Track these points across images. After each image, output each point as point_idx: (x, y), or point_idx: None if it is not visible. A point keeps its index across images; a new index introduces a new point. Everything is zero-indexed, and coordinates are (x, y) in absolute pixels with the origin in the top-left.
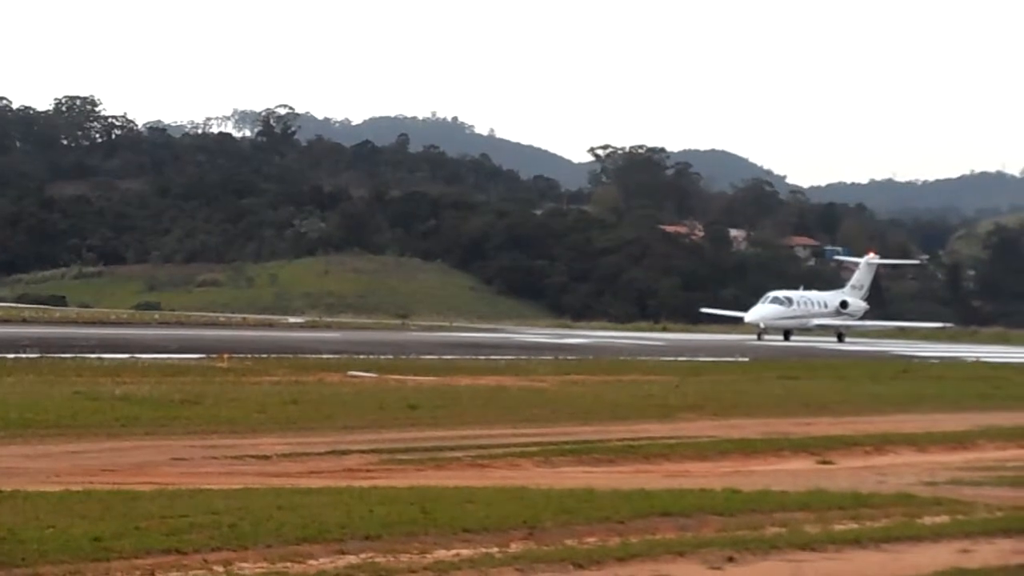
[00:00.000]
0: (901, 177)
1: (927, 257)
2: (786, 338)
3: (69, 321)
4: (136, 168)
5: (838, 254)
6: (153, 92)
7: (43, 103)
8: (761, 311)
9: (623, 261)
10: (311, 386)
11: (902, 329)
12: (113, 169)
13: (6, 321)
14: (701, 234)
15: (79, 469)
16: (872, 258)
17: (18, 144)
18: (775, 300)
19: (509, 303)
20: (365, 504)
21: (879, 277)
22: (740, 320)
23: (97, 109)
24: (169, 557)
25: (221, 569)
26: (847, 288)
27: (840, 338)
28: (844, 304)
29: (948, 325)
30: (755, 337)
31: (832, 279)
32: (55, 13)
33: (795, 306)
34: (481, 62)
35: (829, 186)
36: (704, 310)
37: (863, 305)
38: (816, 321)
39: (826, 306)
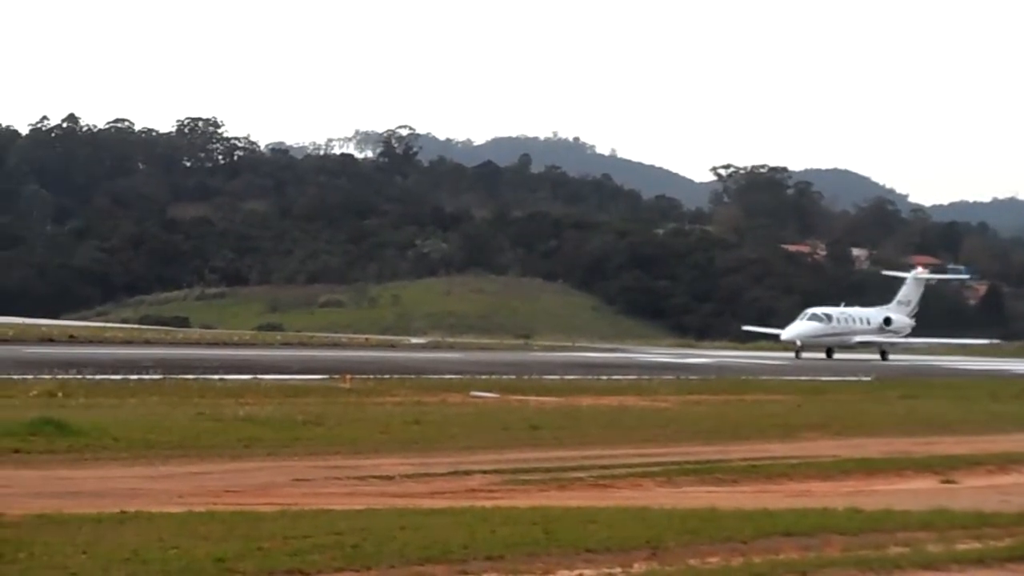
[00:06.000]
0: None
1: None
2: (828, 356)
3: (192, 342)
4: (258, 189)
5: (959, 273)
6: (275, 113)
7: (166, 125)
8: (798, 328)
9: (745, 281)
10: (433, 406)
11: (963, 346)
12: (235, 190)
13: (129, 342)
14: (823, 253)
15: (202, 490)
16: (920, 273)
17: (141, 166)
18: (813, 317)
19: (631, 323)
20: (488, 524)
21: (1002, 297)
22: (778, 338)
23: (219, 131)
24: None
25: None
26: (893, 304)
27: (884, 356)
28: (888, 321)
29: (996, 341)
30: (793, 355)
31: (955, 298)
32: (179, 36)
33: (834, 323)
34: (603, 82)
35: (951, 204)
36: (747, 328)
37: (908, 322)
38: (858, 338)
39: (868, 323)
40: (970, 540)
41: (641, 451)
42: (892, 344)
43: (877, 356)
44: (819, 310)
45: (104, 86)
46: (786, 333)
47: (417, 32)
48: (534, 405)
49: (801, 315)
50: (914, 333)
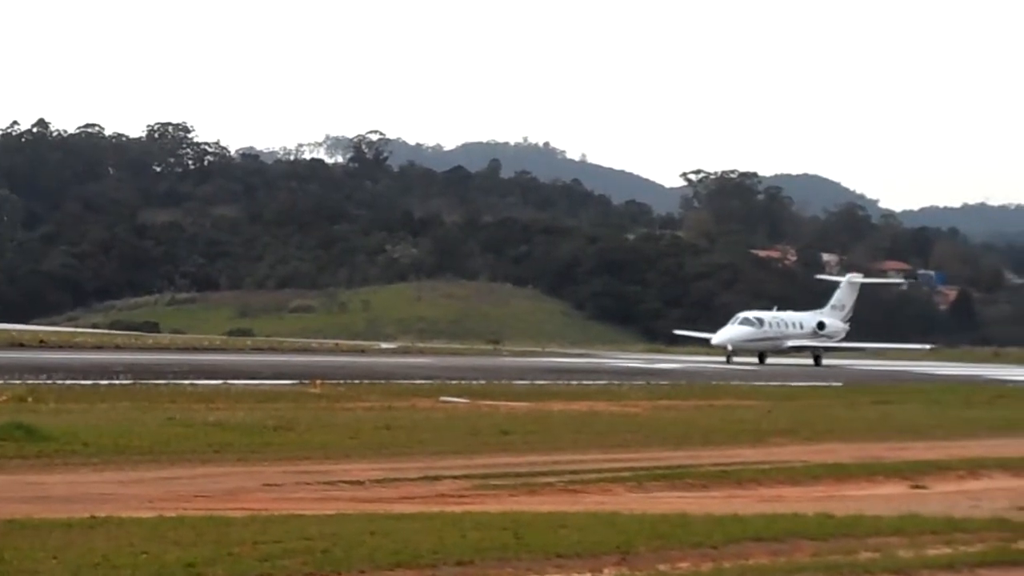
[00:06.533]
0: (994, 201)
1: (1022, 282)
2: (761, 361)
3: (162, 347)
4: (228, 194)
5: (930, 278)
6: (246, 119)
7: (136, 130)
8: (729, 333)
9: (715, 286)
10: (403, 412)
11: (898, 350)
12: (206, 195)
13: (99, 348)
14: (793, 259)
15: (172, 495)
16: (854, 277)
17: (111, 171)
18: (744, 321)
19: (601, 328)
20: (458, 529)
21: (972, 302)
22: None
23: (190, 136)
24: None
25: None
26: (827, 308)
27: (817, 361)
28: (821, 325)
29: (935, 346)
30: (724, 360)
31: (926, 304)
32: (149, 41)
33: (766, 327)
34: (573, 87)
35: (922, 210)
36: (677, 332)
37: (843, 326)
38: (791, 343)
39: (801, 327)
40: (940, 545)
41: (611, 456)
42: (826, 348)
43: (810, 361)
44: (751, 314)
45: (74, 91)
46: (717, 337)
47: (387, 37)
48: (504, 410)
49: (732, 319)
50: (870, 338)
